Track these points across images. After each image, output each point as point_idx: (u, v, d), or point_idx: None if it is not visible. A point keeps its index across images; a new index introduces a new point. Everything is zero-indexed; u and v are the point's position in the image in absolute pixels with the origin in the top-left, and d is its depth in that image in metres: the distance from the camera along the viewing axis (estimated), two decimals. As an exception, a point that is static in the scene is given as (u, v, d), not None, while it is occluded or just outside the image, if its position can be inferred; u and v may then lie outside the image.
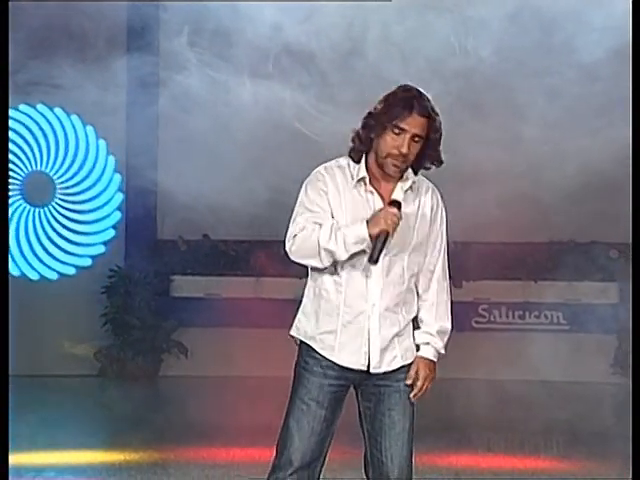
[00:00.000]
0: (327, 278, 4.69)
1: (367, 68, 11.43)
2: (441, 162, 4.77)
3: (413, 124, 4.62)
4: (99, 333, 13.25)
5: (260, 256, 13.29)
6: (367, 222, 4.57)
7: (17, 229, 13.23)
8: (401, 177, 4.72)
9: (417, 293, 4.80)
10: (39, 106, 13.12)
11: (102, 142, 13.25)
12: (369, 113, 4.71)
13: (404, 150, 4.61)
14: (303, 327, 4.76)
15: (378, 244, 4.57)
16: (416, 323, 4.80)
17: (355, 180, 4.69)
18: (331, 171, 4.75)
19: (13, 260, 13.10)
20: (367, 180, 4.70)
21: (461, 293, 13.18)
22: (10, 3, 6.18)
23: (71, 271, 13.29)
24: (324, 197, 4.69)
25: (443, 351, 4.80)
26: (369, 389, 4.70)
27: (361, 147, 4.73)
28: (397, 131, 4.62)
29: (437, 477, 8.03)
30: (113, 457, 8.98)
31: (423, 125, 4.65)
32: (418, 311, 4.80)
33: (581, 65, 11.79)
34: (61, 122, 13.22)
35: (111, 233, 13.36)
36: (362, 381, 4.69)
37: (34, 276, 13.26)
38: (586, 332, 13.13)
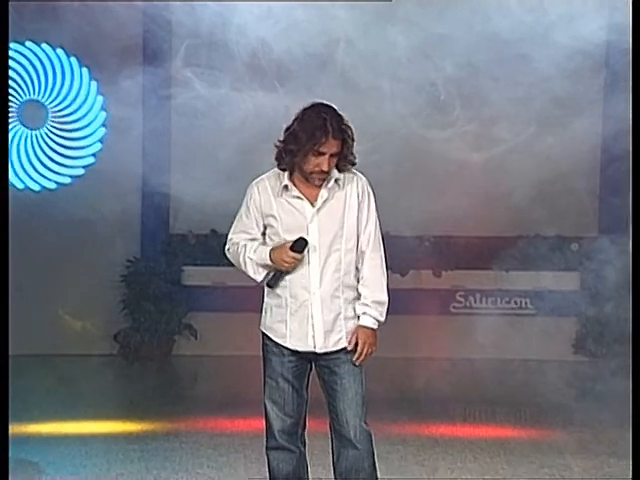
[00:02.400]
0: None
1: (341, 76, 11.34)
2: (354, 163, 4.85)
3: (330, 146, 4.72)
4: (119, 317, 13.15)
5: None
6: (271, 250, 4.72)
7: (18, 150, 13.21)
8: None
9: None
10: (44, 45, 13.07)
11: (85, 70, 13.18)
12: (288, 135, 4.77)
13: (325, 168, 4.71)
14: (263, 320, 4.86)
15: (276, 275, 4.74)
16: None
17: (281, 188, 4.77)
18: (262, 183, 4.87)
19: (16, 175, 13.08)
20: (290, 187, 4.76)
21: (440, 282, 13.19)
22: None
23: (67, 180, 13.16)
24: (252, 213, 4.87)
25: (382, 318, 4.80)
26: (322, 363, 4.77)
27: (286, 167, 4.80)
28: (317, 154, 4.69)
29: (419, 444, 8.04)
30: (131, 427, 8.96)
31: (339, 145, 4.74)
32: (358, 286, 4.82)
33: (544, 70, 11.72)
34: (48, 56, 13.16)
35: (98, 146, 13.19)
36: (315, 358, 4.77)
37: (35, 187, 13.13)
38: (550, 316, 13.04)
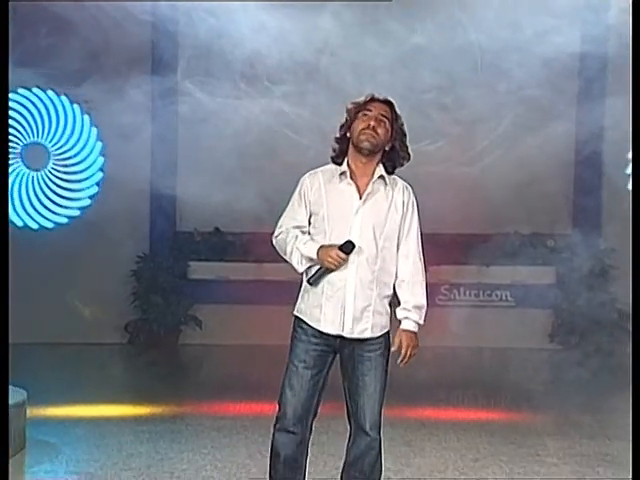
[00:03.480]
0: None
1: (329, 82, 11.38)
2: (409, 156, 4.78)
3: (377, 107, 4.68)
4: (129, 309, 13.15)
5: (261, 246, 13.22)
6: (320, 248, 4.61)
7: (19, 190, 13.23)
8: (373, 175, 4.70)
9: (396, 275, 4.73)
10: (35, 89, 13.09)
11: (86, 117, 13.19)
12: (345, 117, 4.75)
13: (372, 123, 4.63)
14: (298, 305, 4.77)
15: (319, 272, 4.64)
16: (396, 301, 4.77)
17: (337, 175, 4.67)
18: (314, 174, 4.76)
19: (17, 214, 13.11)
20: (347, 174, 4.66)
21: (427, 276, 13.13)
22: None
23: (64, 220, 13.23)
24: (302, 201, 4.73)
25: (421, 322, 4.75)
26: (346, 356, 4.69)
27: (340, 145, 4.74)
28: (365, 113, 4.66)
29: (406, 426, 8.02)
30: (140, 410, 8.94)
31: (385, 109, 4.69)
32: (397, 290, 4.74)
33: (523, 79, 11.74)
34: (53, 102, 13.20)
35: (95, 189, 13.27)
36: (341, 348, 4.68)
37: (34, 225, 13.18)
38: (528, 308, 13.09)
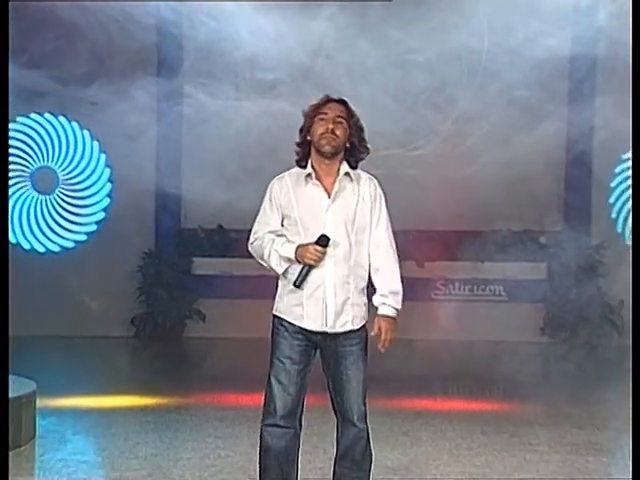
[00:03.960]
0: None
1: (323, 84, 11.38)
2: (368, 150, 4.75)
3: (332, 109, 4.65)
4: (135, 303, 13.17)
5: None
6: (298, 247, 4.59)
7: (28, 213, 13.25)
8: (338, 173, 4.68)
9: (369, 266, 4.71)
10: (46, 114, 13.13)
11: (96, 143, 13.24)
12: (303, 120, 4.72)
13: (331, 126, 4.60)
14: (277, 305, 4.75)
15: (303, 272, 4.60)
16: (373, 289, 4.74)
17: (303, 177, 4.66)
18: (281, 178, 4.76)
19: (24, 237, 13.18)
20: (313, 175, 4.66)
21: (423, 271, 13.18)
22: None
23: (70, 244, 13.28)
24: (274, 205, 4.72)
25: (398, 306, 4.72)
26: (329, 351, 4.68)
27: (303, 150, 4.71)
28: (322, 117, 4.63)
29: (404, 417, 8.04)
30: (146, 401, 8.95)
31: (341, 109, 4.67)
32: (373, 279, 4.72)
33: (513, 78, 11.76)
34: (63, 127, 13.25)
35: (101, 215, 13.31)
36: (323, 343, 4.66)
37: (40, 249, 13.23)
38: (521, 302, 13.10)
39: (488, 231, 12.69)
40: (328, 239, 4.56)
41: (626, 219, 13.07)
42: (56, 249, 13.26)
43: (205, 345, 12.49)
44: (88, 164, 13.28)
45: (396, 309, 4.71)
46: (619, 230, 13.25)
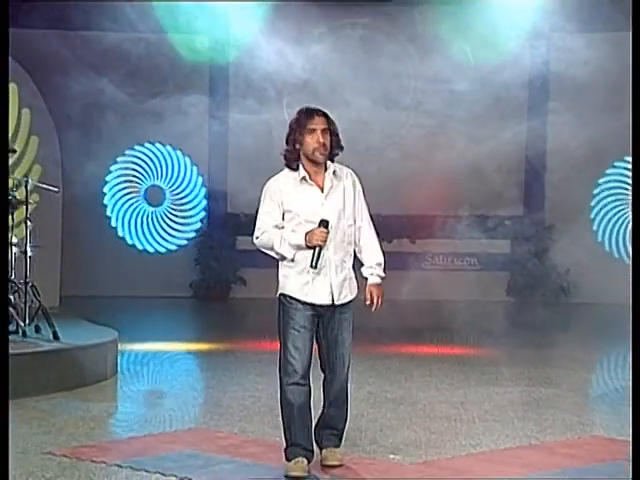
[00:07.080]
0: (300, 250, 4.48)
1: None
2: (342, 148, 4.54)
3: (319, 122, 4.43)
4: (193, 271, 13.21)
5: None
6: (306, 234, 4.37)
7: (141, 222, 13.39)
8: (325, 170, 4.50)
9: (355, 243, 4.55)
10: (157, 144, 13.22)
11: (195, 167, 13.35)
12: (288, 137, 4.48)
13: (321, 140, 4.41)
14: (283, 286, 4.52)
15: (315, 254, 4.38)
16: (359, 262, 4.57)
17: (299, 180, 4.47)
18: (277, 179, 4.52)
19: (139, 241, 13.33)
20: (307, 177, 4.48)
21: (415, 247, 13.19)
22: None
23: (173, 247, 13.43)
24: (275, 202, 4.45)
25: (384, 275, 4.55)
26: (329, 318, 4.49)
27: (293, 156, 4.49)
28: (311, 129, 4.42)
29: (400, 359, 8.01)
30: (201, 347, 9.00)
31: (324, 120, 4.46)
32: (359, 254, 4.55)
33: (496, 80, 11.68)
34: (170, 154, 13.35)
35: (198, 225, 13.43)
36: (325, 312, 4.47)
37: (151, 249, 13.38)
38: (490, 270, 13.12)
39: (465, 215, 12.65)
40: (328, 222, 4.40)
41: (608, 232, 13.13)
42: (163, 250, 13.42)
43: (246, 304, 12.42)
44: (189, 184, 13.35)
45: (382, 277, 4.56)
46: (599, 240, 13.22)
